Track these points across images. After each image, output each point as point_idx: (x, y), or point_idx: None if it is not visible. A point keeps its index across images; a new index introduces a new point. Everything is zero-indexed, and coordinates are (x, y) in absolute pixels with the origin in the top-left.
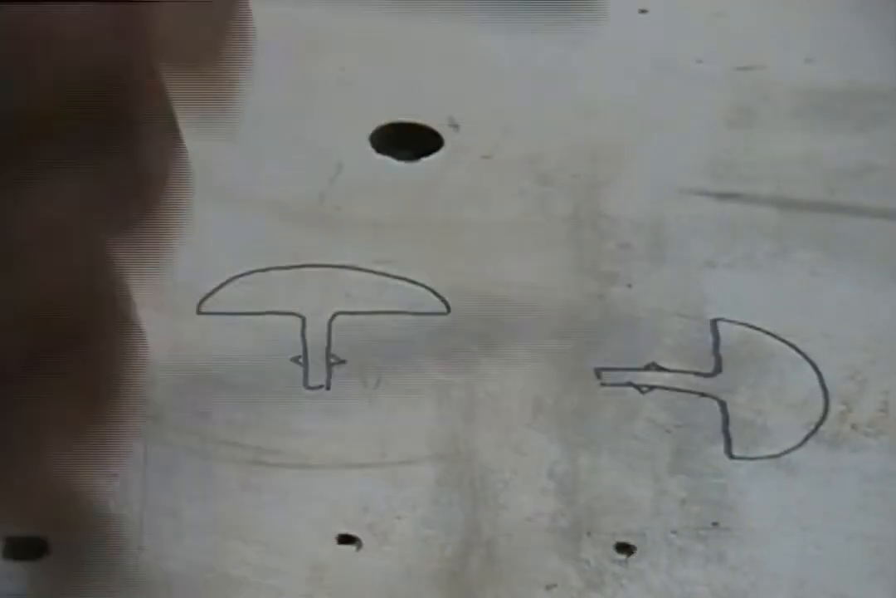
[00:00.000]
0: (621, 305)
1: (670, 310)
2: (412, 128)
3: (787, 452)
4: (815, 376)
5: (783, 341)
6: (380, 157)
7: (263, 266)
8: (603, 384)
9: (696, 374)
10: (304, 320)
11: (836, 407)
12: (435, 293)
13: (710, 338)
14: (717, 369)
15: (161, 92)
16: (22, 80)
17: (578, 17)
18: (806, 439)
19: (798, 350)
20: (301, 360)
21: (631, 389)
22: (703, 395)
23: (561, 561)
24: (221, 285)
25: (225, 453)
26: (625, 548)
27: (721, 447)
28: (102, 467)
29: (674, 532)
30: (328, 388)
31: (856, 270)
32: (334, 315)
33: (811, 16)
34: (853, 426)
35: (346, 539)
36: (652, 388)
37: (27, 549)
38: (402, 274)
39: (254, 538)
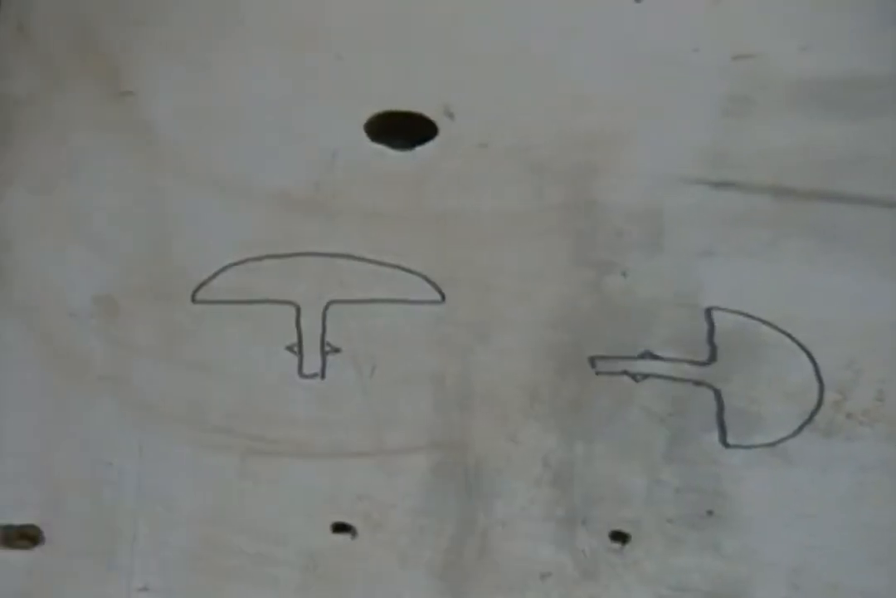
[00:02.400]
0: (616, 293)
1: (665, 299)
2: (407, 116)
3: (781, 440)
4: (810, 364)
5: (778, 329)
6: (375, 145)
7: (258, 255)
8: (598, 373)
9: (691, 362)
10: (298, 308)
11: (831, 396)
12: (429, 282)
13: (705, 327)
14: (712, 358)
15: None
16: None
17: None
18: (801, 427)
19: (793, 339)
20: (296, 348)
21: (626, 377)
22: (697, 383)
23: (556, 550)
24: (216, 274)
25: (219, 441)
26: (620, 536)
27: (716, 436)
28: None
29: (669, 521)
30: (323, 376)
31: (852, 259)
32: (329, 304)
33: (807, 4)
34: (848, 415)
35: (341, 528)
36: (646, 376)
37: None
38: (397, 262)
39: (249, 526)
